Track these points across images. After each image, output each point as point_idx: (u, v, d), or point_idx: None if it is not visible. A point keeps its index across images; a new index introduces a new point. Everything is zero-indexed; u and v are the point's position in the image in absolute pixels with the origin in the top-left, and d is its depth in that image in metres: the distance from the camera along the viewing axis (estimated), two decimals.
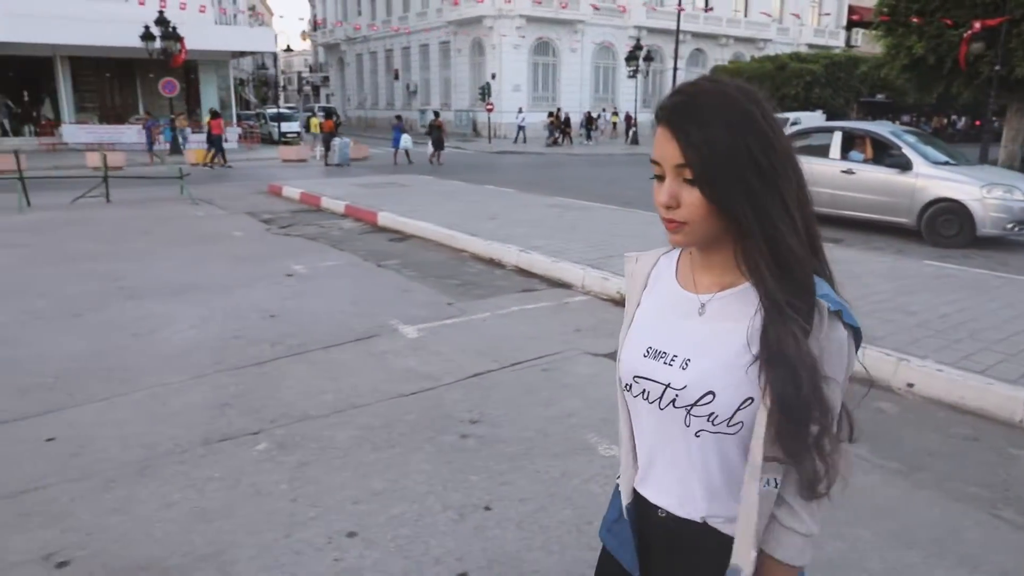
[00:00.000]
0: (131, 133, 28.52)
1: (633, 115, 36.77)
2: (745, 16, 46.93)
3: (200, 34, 26.91)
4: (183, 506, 3.25)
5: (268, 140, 34.38)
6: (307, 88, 73.10)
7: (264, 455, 3.73)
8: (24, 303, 6.49)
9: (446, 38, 42.50)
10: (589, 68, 42.07)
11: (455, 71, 42.42)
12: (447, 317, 6.17)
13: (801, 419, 1.05)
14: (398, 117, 26.85)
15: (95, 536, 3.00)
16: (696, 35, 44.37)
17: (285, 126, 35.04)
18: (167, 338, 5.55)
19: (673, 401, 1.15)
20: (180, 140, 26.76)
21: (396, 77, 47.97)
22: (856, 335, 1.11)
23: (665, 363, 1.17)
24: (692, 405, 1.13)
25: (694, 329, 1.16)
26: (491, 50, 39.12)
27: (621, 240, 8.88)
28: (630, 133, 36.57)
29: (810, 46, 47.45)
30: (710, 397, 1.11)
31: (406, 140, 23.63)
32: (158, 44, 25.67)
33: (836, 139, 10.53)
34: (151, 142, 24.10)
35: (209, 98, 30.99)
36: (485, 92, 34.48)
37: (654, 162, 1.09)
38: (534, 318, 6.21)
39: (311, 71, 72.05)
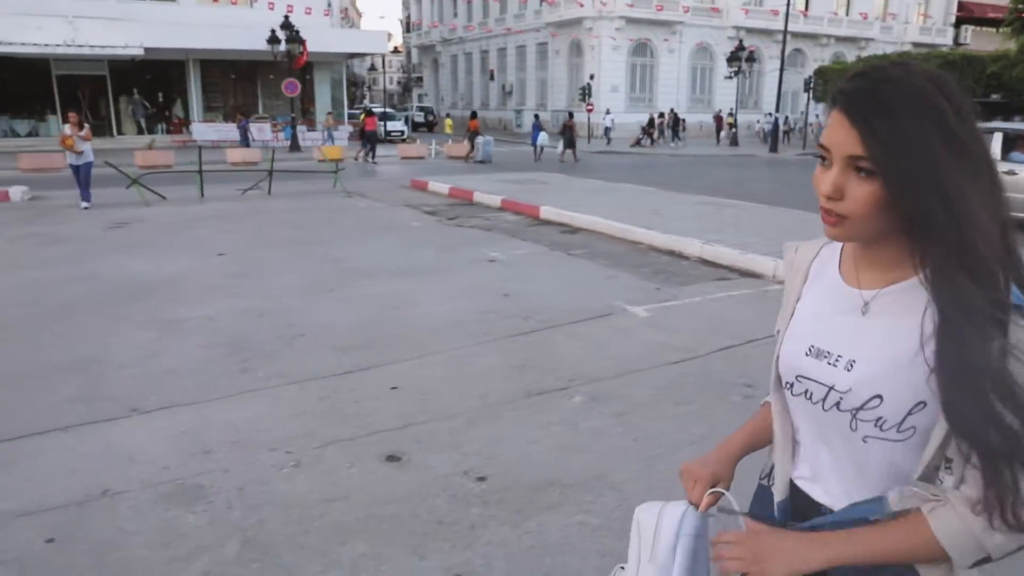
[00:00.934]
0: (253, 130, 30.20)
1: (734, 116, 36.55)
2: (847, 15, 45.99)
3: (318, 37, 28.27)
4: (545, 441, 3.86)
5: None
6: (390, 87, 74.78)
7: (584, 406, 4.31)
8: (280, 280, 7.33)
9: (544, 39, 43.12)
10: (686, 69, 42.02)
11: (552, 72, 43.02)
12: (664, 300, 6.69)
13: (986, 443, 0.94)
14: (536, 116, 28.24)
15: (493, 460, 3.64)
16: (796, 35, 43.67)
17: (391, 125, 36.31)
18: (426, 312, 6.24)
19: (838, 404, 1.09)
20: (329, 138, 28.53)
21: (491, 77, 48.92)
22: None
23: (829, 363, 1.11)
24: (858, 409, 1.07)
25: (859, 327, 1.09)
26: (590, 51, 39.54)
27: (792, 235, 9.22)
28: (720, 135, 36.53)
29: (915, 44, 46.16)
30: (877, 401, 1.04)
31: (543, 138, 25.10)
32: (283, 47, 27.13)
33: (996, 140, 10.59)
34: (246, 140, 25.00)
35: (323, 98, 32.47)
36: (585, 93, 34.94)
37: (822, 146, 1.03)
38: (744, 303, 6.68)
39: (402, 72, 73.90)
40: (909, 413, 1.02)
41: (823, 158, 1.04)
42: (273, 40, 27.03)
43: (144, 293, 6.79)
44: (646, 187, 14.98)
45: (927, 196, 0.95)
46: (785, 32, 31.97)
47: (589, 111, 35.26)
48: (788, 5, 30.86)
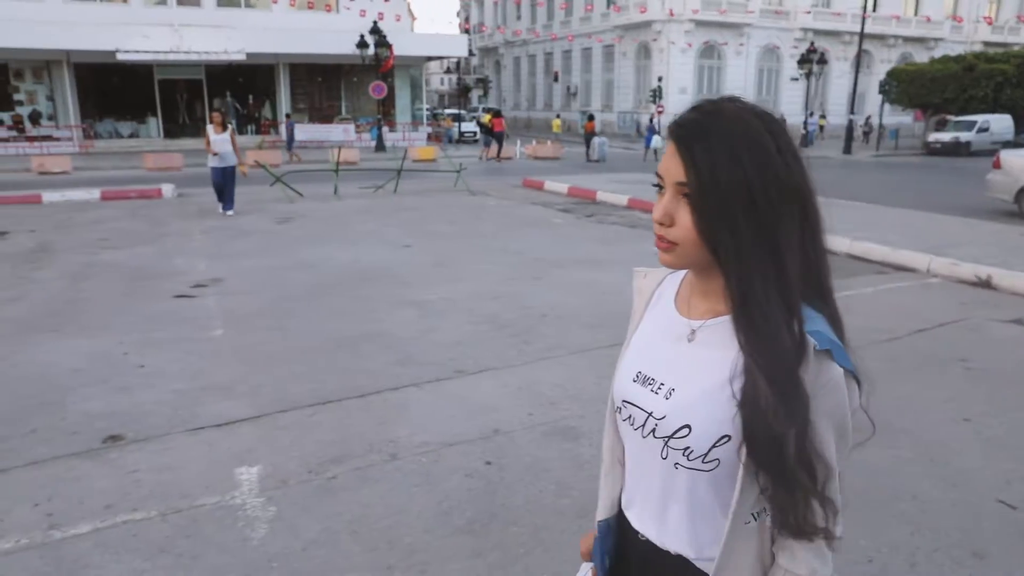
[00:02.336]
0: (338, 132, 31.49)
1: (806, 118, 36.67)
2: (915, 15, 45.72)
3: (400, 41, 29.34)
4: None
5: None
6: (440, 87, 75.73)
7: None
8: (479, 268, 8.18)
9: (610, 42, 43.74)
10: (753, 71, 42.27)
11: (618, 74, 43.62)
12: (839, 290, 7.33)
13: (781, 473, 0.99)
14: (651, 119, 29.50)
15: None
16: (864, 36, 43.62)
17: (464, 127, 37.30)
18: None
19: (654, 431, 1.11)
20: (451, 138, 30.05)
21: (556, 79, 49.70)
22: (856, 381, 1.03)
23: (652, 390, 1.12)
24: (669, 437, 1.08)
25: (682, 356, 1.11)
26: (658, 54, 40.07)
27: (924, 237, 9.80)
28: None
29: (986, 44, 45.68)
30: (686, 430, 1.06)
31: (656, 140, 26.25)
32: (371, 51, 28.25)
33: None
34: (291, 141, 25.81)
35: (403, 99, 33.56)
36: (656, 95, 35.50)
37: (658, 174, 1.06)
38: (915, 293, 7.31)
39: (464, 73, 75.08)
40: (714, 445, 1.03)
41: (659, 186, 1.06)
42: (362, 44, 28.20)
43: (370, 279, 7.68)
44: None
45: (720, 229, 0.98)
46: (862, 34, 32.09)
47: (659, 113, 35.78)
48: (864, 7, 30.93)
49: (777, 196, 0.98)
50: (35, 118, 28.37)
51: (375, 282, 7.55)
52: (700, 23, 39.45)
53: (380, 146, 28.78)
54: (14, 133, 27.65)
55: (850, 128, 31.66)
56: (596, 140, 25.90)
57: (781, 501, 1.00)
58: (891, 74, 35.60)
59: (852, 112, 32.72)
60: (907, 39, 45.26)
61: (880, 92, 34.60)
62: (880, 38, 44.69)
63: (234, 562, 2.90)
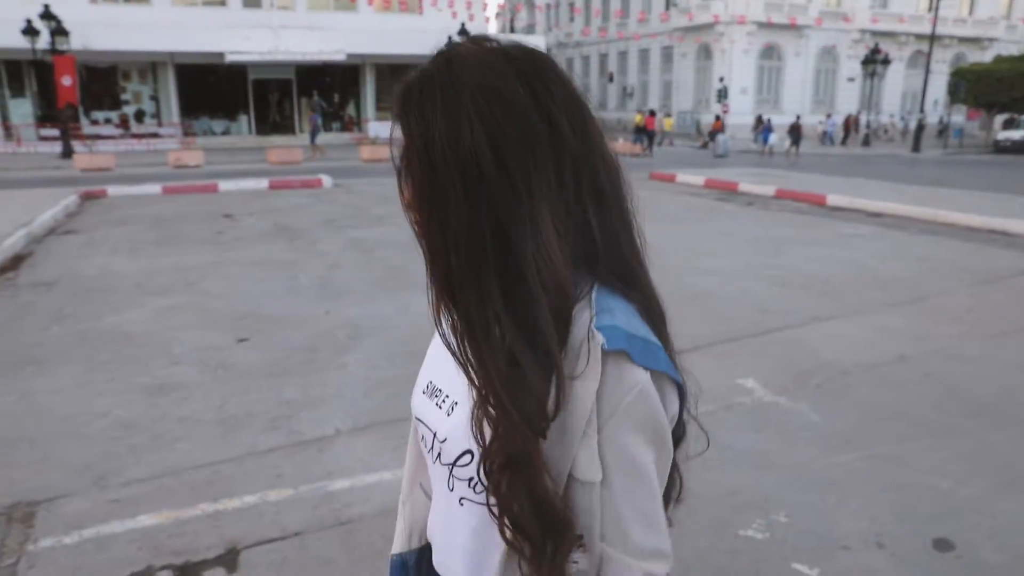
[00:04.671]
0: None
1: (864, 118, 37.39)
2: (969, 15, 46.28)
3: None
4: None
5: None
6: None
7: None
8: (736, 248, 9.15)
9: (669, 43, 44.59)
10: (811, 71, 43.00)
11: (677, 74, 44.45)
12: None
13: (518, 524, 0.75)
14: (769, 119, 30.86)
15: None
16: (919, 37, 44.25)
17: None
18: (890, 269, 7.95)
19: (440, 456, 0.88)
20: None
21: (611, 80, 50.60)
22: (678, 389, 0.80)
23: (437, 404, 0.90)
24: (452, 464, 0.85)
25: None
26: (720, 55, 40.87)
27: None
28: (847, 136, 37.39)
29: None
30: (468, 457, 0.83)
31: (773, 138, 28.16)
32: None
33: None
34: (315, 135, 25.94)
35: None
36: (722, 95, 36.33)
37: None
38: None
39: None
40: None
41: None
42: None
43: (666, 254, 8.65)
44: (866, 180, 16.48)
45: (429, 205, 0.77)
46: (932, 35, 32.77)
47: (725, 112, 36.61)
48: (936, 8, 31.64)
49: (522, 157, 0.74)
50: (139, 116, 29.70)
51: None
52: (762, 25, 40.23)
53: None
54: (120, 131, 28.97)
55: (919, 127, 32.31)
56: (720, 137, 27.70)
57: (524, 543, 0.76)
58: (957, 73, 36.19)
59: (922, 111, 33.32)
60: (962, 39, 45.78)
61: (948, 92, 35.21)
62: (936, 38, 45.19)
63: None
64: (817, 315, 6.06)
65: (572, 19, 54.75)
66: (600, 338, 0.73)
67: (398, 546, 1.08)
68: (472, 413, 0.77)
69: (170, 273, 7.67)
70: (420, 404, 0.94)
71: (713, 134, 28.45)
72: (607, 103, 51.06)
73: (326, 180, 16.17)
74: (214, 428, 3.98)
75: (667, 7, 44.26)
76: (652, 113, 29.96)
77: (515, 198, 0.73)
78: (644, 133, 28.24)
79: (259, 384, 4.61)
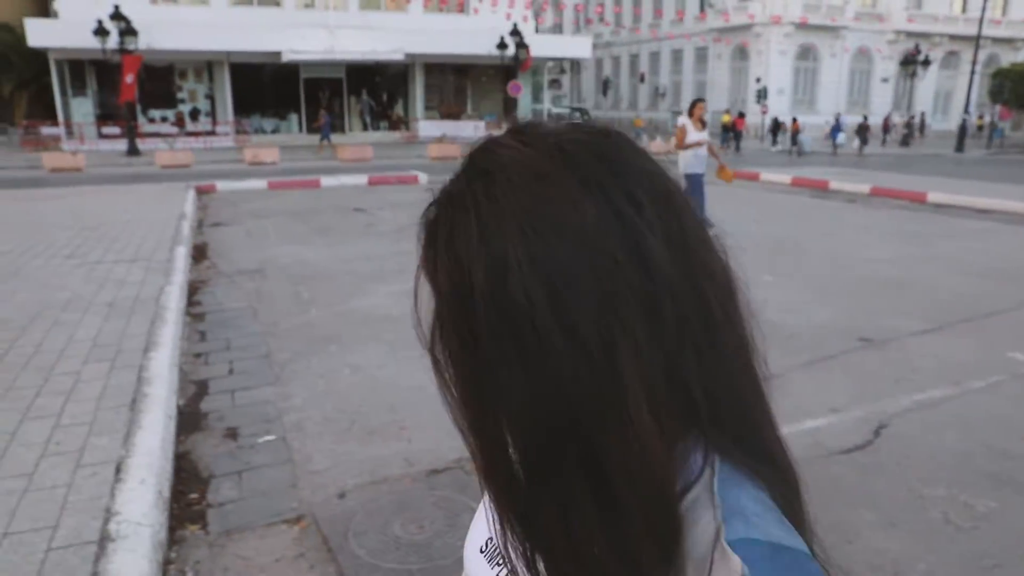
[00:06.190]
0: (468, 128, 32.95)
1: (895, 119, 37.74)
2: (1004, 15, 46.55)
3: (531, 42, 30.79)
4: None
5: None
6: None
7: None
8: (866, 239, 9.49)
9: (703, 44, 44.91)
10: (846, 72, 43.31)
11: (712, 75, 44.76)
12: None
13: None
14: (838, 117, 31.49)
15: None
16: (953, 38, 44.57)
17: None
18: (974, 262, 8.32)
19: None
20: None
21: (642, 80, 50.93)
22: None
23: (496, 572, 0.69)
24: None
25: None
26: (756, 56, 41.20)
27: None
28: (886, 136, 37.63)
29: None
30: None
31: (842, 137, 29.16)
32: (511, 51, 29.73)
33: None
34: (327, 133, 26.88)
35: (525, 98, 35.00)
36: (761, 95, 36.64)
37: None
38: None
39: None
40: None
41: None
42: (501, 45, 29.70)
43: (773, 250, 9.01)
44: (943, 178, 16.84)
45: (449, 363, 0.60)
46: (979, 37, 33.07)
47: (764, 113, 36.93)
48: (984, 10, 31.93)
49: (596, 310, 0.51)
50: (194, 115, 30.11)
51: (782, 252, 8.90)
52: (799, 26, 40.55)
53: None
54: (176, 129, 29.37)
55: (963, 127, 32.57)
56: (802, 137, 28.54)
57: None
58: (1000, 74, 36.49)
59: (967, 111, 33.58)
60: (996, 40, 46.02)
61: (990, 92, 35.50)
62: (970, 40, 45.49)
63: None
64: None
65: (601, 18, 55.09)
66: (737, 564, 0.49)
67: None
68: None
69: (364, 262, 8.02)
70: (474, 564, 0.72)
71: (795, 134, 29.57)
72: (638, 103, 51.42)
73: (422, 177, 16.54)
74: None
75: (702, 7, 44.62)
76: (742, 115, 30.91)
77: (590, 371, 0.51)
78: (732, 132, 29.08)
79: None
